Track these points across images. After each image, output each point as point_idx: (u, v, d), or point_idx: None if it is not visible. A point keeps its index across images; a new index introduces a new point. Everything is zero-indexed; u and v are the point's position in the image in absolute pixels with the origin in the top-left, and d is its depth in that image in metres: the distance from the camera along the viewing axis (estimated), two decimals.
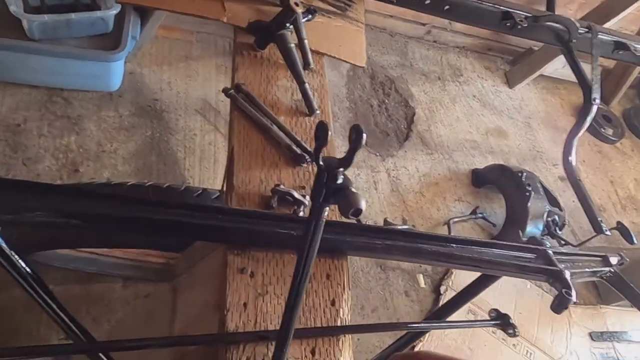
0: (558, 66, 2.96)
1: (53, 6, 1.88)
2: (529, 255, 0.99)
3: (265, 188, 0.89)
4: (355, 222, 0.84)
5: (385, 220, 2.11)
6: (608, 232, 1.44)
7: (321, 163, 0.50)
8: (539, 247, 1.00)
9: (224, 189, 0.92)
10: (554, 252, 1.01)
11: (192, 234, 0.75)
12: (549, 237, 2.29)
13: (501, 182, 2.36)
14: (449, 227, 2.20)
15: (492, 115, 2.84)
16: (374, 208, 2.19)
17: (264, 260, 0.80)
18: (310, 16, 1.17)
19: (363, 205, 0.50)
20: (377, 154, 2.38)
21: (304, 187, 0.92)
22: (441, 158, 2.50)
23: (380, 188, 2.28)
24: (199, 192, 1.02)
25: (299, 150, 0.94)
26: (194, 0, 1.11)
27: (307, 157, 0.94)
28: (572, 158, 1.50)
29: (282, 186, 0.87)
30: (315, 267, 0.83)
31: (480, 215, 2.29)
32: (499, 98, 2.95)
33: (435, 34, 2.99)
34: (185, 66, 2.31)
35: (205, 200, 1.02)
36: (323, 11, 1.25)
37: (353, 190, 0.51)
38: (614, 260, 1.10)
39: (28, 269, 0.64)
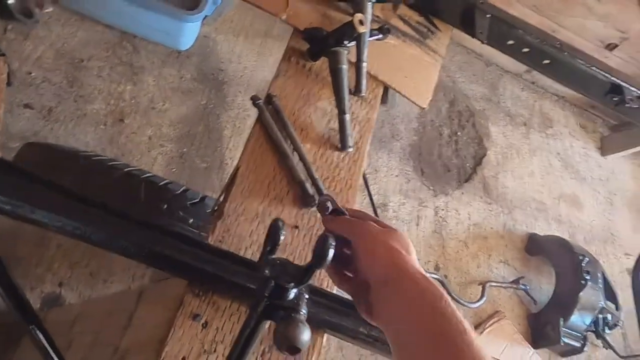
0: None
1: None
2: None
3: (258, 225, 0.77)
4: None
5: None
6: None
7: (267, 271, 0.37)
8: None
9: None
10: None
11: (146, 259, 0.65)
12: (594, 335, 2.02)
13: (558, 258, 2.10)
14: (483, 289, 1.99)
15: (571, 180, 2.54)
16: None
17: (226, 311, 0.69)
18: (380, 35, 1.02)
19: (303, 343, 0.36)
20: (431, 187, 2.19)
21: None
22: (499, 211, 2.27)
23: (423, 225, 2.10)
24: (195, 199, 0.92)
25: (311, 190, 0.81)
26: None
27: (317, 199, 0.80)
28: None
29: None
30: None
31: (523, 287, 2.05)
32: (585, 163, 2.63)
33: (536, 74, 2.71)
34: (261, 43, 2.22)
35: (203, 210, 0.92)
36: (399, 32, 1.09)
37: (300, 318, 0.38)
38: None
39: None
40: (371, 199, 1.93)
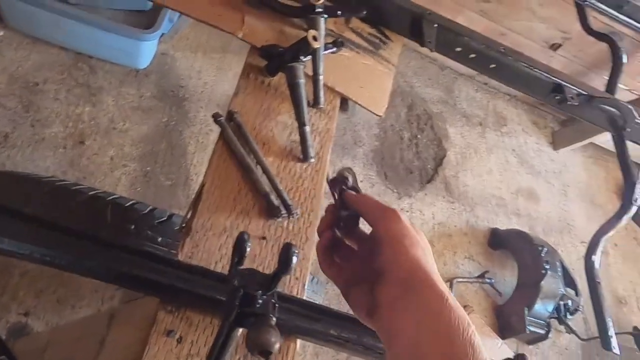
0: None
1: None
2: None
3: (227, 239, 0.79)
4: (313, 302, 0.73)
5: None
6: (616, 351, 1.28)
7: (235, 282, 0.40)
8: None
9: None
10: None
11: (117, 280, 0.66)
12: (557, 321, 2.11)
13: (518, 250, 2.19)
14: (450, 286, 2.05)
15: (527, 175, 2.65)
16: None
17: (199, 325, 0.70)
18: (335, 49, 1.06)
19: (274, 347, 0.39)
20: (395, 190, 2.25)
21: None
22: (462, 209, 2.35)
23: None
24: (163, 218, 0.94)
25: (276, 202, 0.84)
26: (214, 6, 1.02)
27: (283, 210, 0.83)
28: (596, 258, 1.34)
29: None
30: None
31: (488, 280, 2.13)
32: (539, 158, 2.76)
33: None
34: (220, 58, 2.24)
35: (171, 228, 0.94)
36: (353, 45, 1.14)
37: (270, 323, 0.40)
38: None
39: None
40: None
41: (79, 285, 1.56)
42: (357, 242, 0.55)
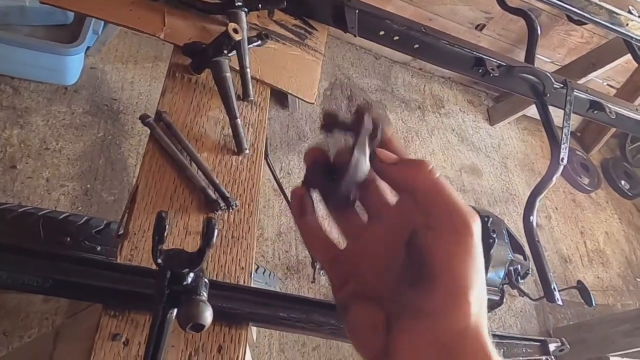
0: None
1: None
2: None
3: (167, 237, 0.78)
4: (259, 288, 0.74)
5: None
6: (560, 302, 1.36)
7: (160, 261, 0.40)
8: None
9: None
10: None
11: (56, 290, 0.64)
12: (509, 286, 2.21)
13: None
14: None
15: (468, 152, 2.76)
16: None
17: (145, 325, 0.70)
18: (260, 42, 1.07)
19: (207, 319, 0.40)
20: None
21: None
22: None
23: None
24: (100, 226, 0.92)
25: (214, 195, 0.84)
26: (133, 10, 1.00)
27: (221, 203, 0.83)
28: (534, 218, 1.42)
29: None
30: (206, 336, 0.73)
31: None
32: (478, 134, 2.88)
33: (422, 61, 2.92)
34: (152, 67, 2.20)
35: (109, 236, 0.92)
36: (279, 37, 1.15)
37: (201, 298, 0.41)
38: (552, 346, 1.02)
39: None
40: (289, 203, 1.98)
41: (26, 314, 1.50)
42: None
